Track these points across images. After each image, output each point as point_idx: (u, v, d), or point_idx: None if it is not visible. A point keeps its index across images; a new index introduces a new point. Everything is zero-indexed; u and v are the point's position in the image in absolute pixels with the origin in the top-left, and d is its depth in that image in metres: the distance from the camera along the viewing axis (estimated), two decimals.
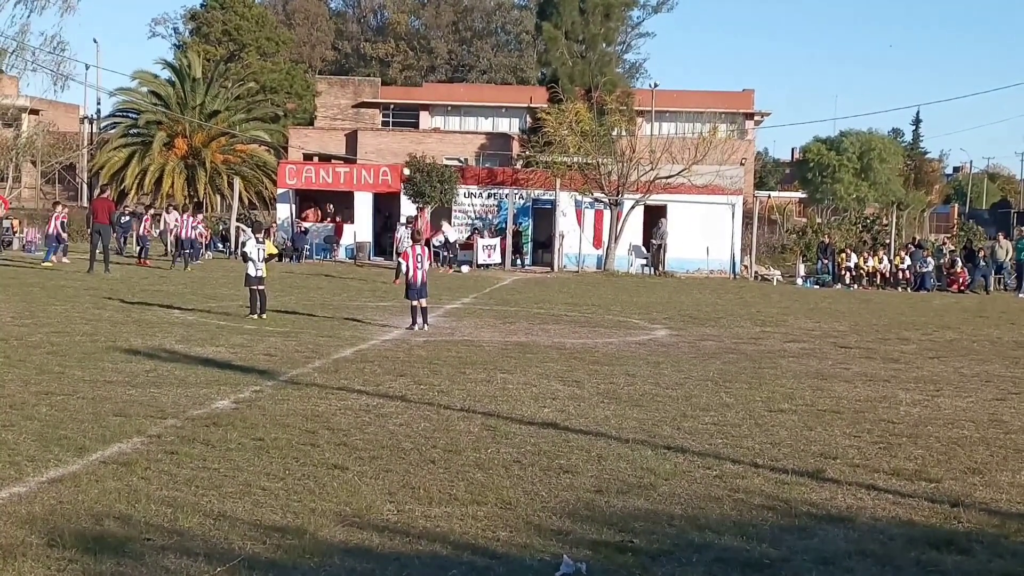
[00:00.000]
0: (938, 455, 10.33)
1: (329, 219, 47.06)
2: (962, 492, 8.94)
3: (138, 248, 39.29)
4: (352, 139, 66.23)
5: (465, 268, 41.23)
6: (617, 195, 43.73)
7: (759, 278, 44.41)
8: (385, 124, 76.13)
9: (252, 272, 20.58)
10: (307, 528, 7.29)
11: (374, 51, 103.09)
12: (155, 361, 14.40)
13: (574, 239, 44.26)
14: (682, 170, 43.10)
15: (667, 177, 43.12)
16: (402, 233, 35.96)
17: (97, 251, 30.68)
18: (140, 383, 12.66)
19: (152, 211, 45.50)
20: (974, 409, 13.10)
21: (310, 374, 13.95)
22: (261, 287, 20.62)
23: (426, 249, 20.57)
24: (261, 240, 21.24)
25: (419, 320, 19.81)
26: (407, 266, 20.29)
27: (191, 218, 37.61)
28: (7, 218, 44.46)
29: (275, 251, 21.13)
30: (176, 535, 7.04)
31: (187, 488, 8.15)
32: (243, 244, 24.30)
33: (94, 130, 68.55)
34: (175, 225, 37.85)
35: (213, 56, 70.29)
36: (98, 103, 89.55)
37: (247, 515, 7.54)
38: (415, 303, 19.87)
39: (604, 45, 57.89)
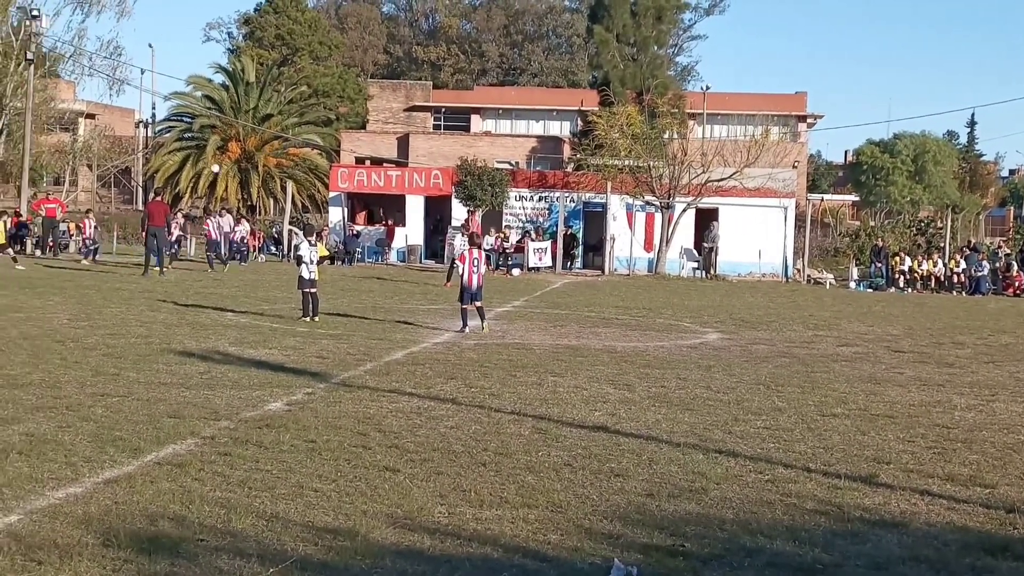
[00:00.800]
0: (993, 460, 10.22)
1: (381, 223, 47.26)
2: (1018, 498, 8.84)
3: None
4: (404, 142, 66.49)
5: (516, 271, 41.26)
6: (668, 198, 43.66)
7: (812, 281, 44.15)
8: (436, 127, 76.35)
9: (305, 275, 20.68)
10: (359, 530, 7.32)
11: (426, 55, 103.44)
12: (208, 363, 14.50)
13: (625, 242, 44.25)
14: (734, 173, 42.97)
15: (719, 180, 43.02)
16: (457, 238, 36.16)
17: (152, 253, 30.96)
18: (194, 385, 12.75)
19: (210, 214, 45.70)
20: None
21: (362, 376, 14.00)
22: (314, 290, 20.73)
23: (483, 253, 20.56)
24: (313, 243, 21.33)
25: (471, 322, 19.79)
26: (463, 269, 20.23)
27: (228, 221, 38.18)
28: (64, 221, 44.95)
29: (327, 253, 21.21)
30: (229, 536, 7.08)
31: (240, 489, 8.21)
32: (296, 247, 24.45)
33: (149, 134, 69.26)
34: (217, 229, 38.24)
35: (266, 60, 70.81)
36: (153, 107, 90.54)
37: (299, 516, 7.57)
38: (467, 307, 19.87)
39: (655, 48, 57.85)
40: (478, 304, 20.04)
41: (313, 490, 8.27)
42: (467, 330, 19.61)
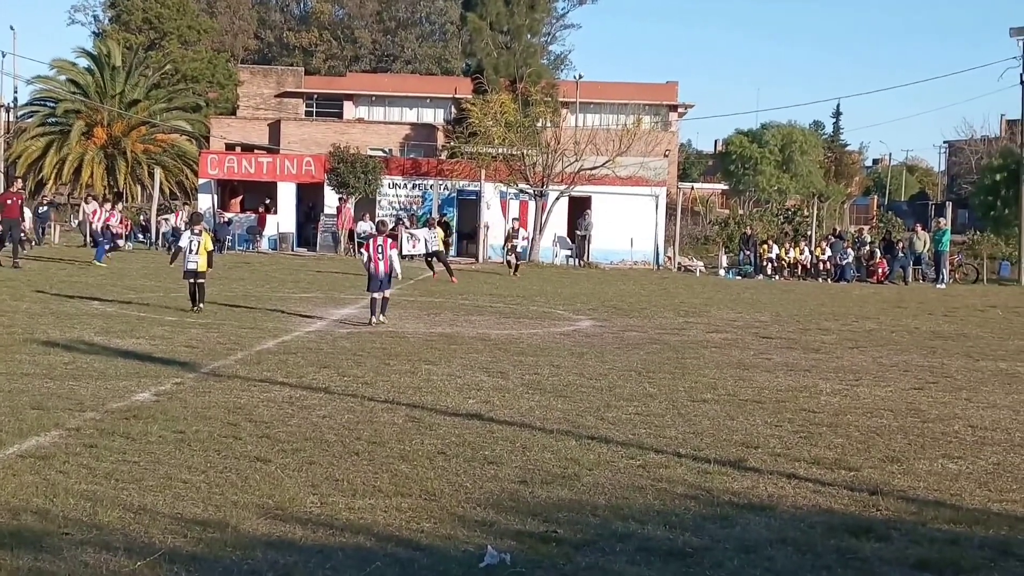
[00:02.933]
0: (857, 444, 10.47)
1: (260, 209, 46.66)
2: (881, 480, 9.06)
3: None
4: (275, 129, 65.77)
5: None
6: (542, 186, 43.87)
7: (682, 269, 44.78)
8: (308, 114, 75.63)
9: (189, 265, 20.29)
10: (229, 521, 7.22)
11: (297, 40, 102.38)
12: (73, 353, 14.19)
13: (499, 230, 44.32)
14: (606, 161, 43.35)
15: (591, 168, 43.35)
16: (365, 226, 36.62)
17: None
18: (58, 376, 12.46)
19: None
20: (892, 398, 13.29)
21: (232, 366, 13.82)
22: (200, 280, 20.30)
23: (389, 239, 20.17)
24: (197, 232, 20.86)
25: (378, 313, 19.47)
26: (367, 256, 19.93)
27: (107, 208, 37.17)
28: None
29: (211, 247, 20.79)
30: (95, 529, 6.93)
31: (107, 482, 8.04)
32: (176, 236, 23.95)
33: (11, 119, 67.37)
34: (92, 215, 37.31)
35: (133, 44, 69.39)
36: (15, 91, 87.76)
37: (168, 509, 7.45)
38: (376, 295, 19.58)
39: (529, 36, 57.95)
40: (386, 294, 19.77)
41: (182, 481, 8.14)
42: (375, 321, 19.28)
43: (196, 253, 20.28)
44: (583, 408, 11.84)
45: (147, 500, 7.61)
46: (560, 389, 13.08)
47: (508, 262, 37.21)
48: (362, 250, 21.45)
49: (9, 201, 30.60)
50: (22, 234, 31.84)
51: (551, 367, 14.85)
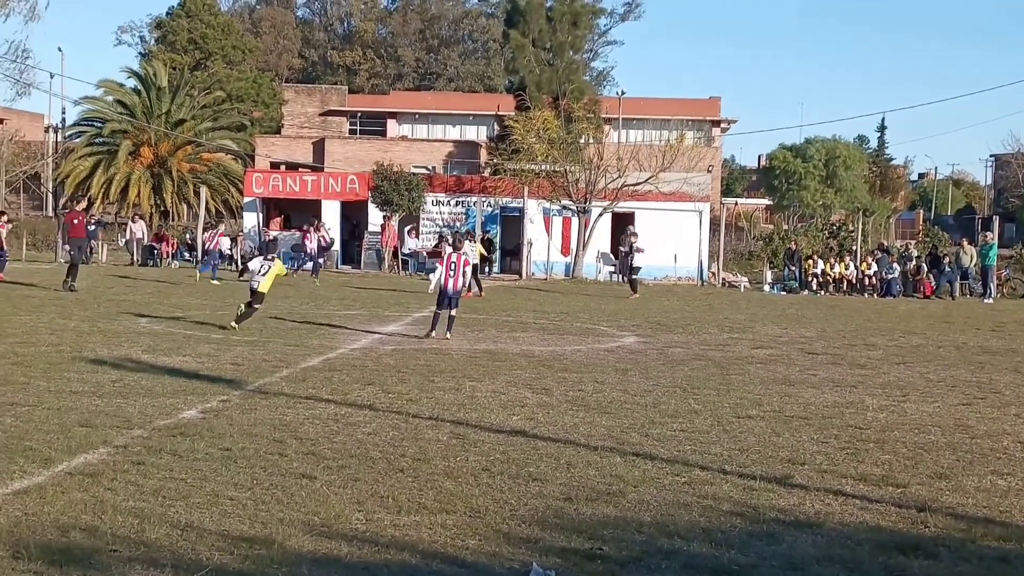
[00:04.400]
0: (905, 460, 10.38)
1: (304, 228, 46.86)
2: (928, 497, 8.99)
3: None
4: (319, 147, 66.11)
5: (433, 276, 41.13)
6: (585, 202, 43.85)
7: (726, 285, 44.58)
8: (352, 132, 76.00)
9: (252, 285, 20.47)
10: (275, 538, 7.25)
11: (341, 59, 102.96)
12: (121, 371, 14.31)
13: (542, 246, 44.33)
14: (649, 177, 43.26)
15: (634, 184, 43.27)
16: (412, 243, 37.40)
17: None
18: (106, 393, 12.57)
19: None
20: (940, 414, 13.18)
21: (277, 383, 13.89)
22: (254, 304, 20.37)
23: (462, 257, 20.33)
24: (270, 259, 20.92)
25: (439, 329, 19.67)
26: (440, 272, 20.12)
27: (142, 227, 37.93)
28: None
29: (283, 273, 21.11)
30: (143, 546, 6.98)
31: (154, 499, 8.10)
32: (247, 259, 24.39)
33: (59, 139, 68.12)
34: (142, 234, 37.84)
35: (179, 65, 70.03)
36: (63, 112, 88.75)
37: (215, 525, 7.49)
38: (442, 311, 19.79)
39: (571, 53, 58.13)
40: (453, 312, 19.97)
41: (228, 498, 8.18)
42: (434, 334, 19.45)
43: (263, 275, 20.36)
44: (627, 425, 11.81)
45: (194, 517, 7.66)
46: (604, 405, 13.05)
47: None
48: (437, 264, 21.49)
49: (76, 221, 30.88)
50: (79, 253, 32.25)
51: (595, 383, 14.83)
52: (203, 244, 38.85)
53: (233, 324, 19.91)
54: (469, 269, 20.13)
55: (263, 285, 20.33)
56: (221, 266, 38.49)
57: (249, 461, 9.40)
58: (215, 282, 32.12)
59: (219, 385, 13.52)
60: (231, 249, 44.65)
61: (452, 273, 19.87)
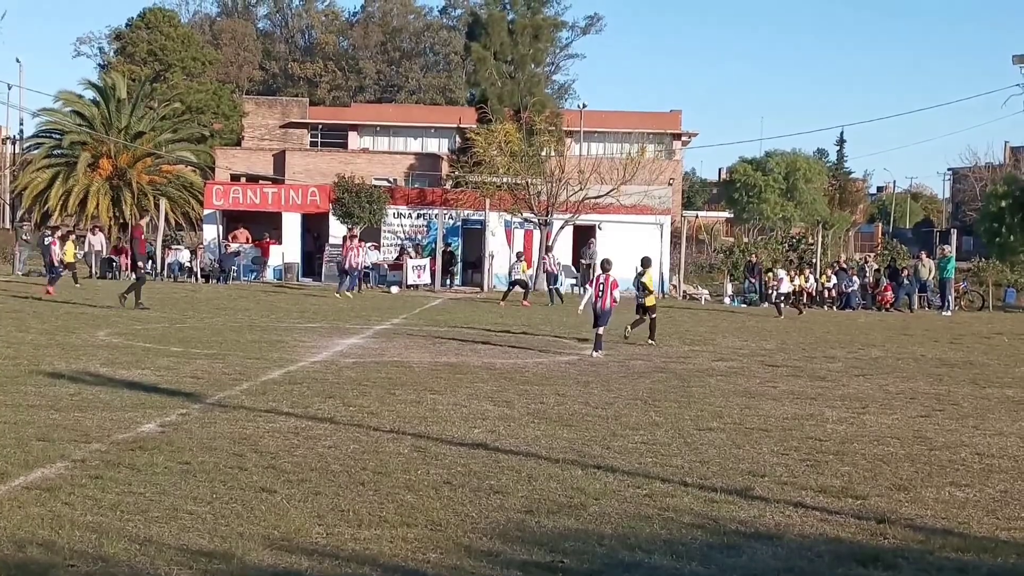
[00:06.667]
0: (864, 472, 10.44)
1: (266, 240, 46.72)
2: (888, 508, 9.04)
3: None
4: (280, 159, 65.95)
5: (395, 289, 41.09)
6: (547, 215, 43.87)
7: (687, 297, 44.73)
8: (313, 145, 75.90)
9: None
10: (235, 552, 7.21)
11: (302, 71, 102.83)
12: (79, 384, 14.19)
13: (504, 259, 44.34)
14: (611, 190, 43.35)
15: (596, 197, 43.35)
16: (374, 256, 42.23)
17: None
18: (64, 407, 12.46)
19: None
20: (899, 426, 13.26)
21: (237, 396, 13.81)
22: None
23: (610, 278, 21.16)
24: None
25: (600, 347, 20.25)
26: (590, 293, 21.30)
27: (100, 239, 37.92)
28: None
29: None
30: (101, 561, 6.92)
31: (112, 513, 8.03)
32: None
33: (17, 150, 67.55)
34: (101, 246, 37.69)
35: (138, 76, 69.63)
36: (21, 124, 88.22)
37: (173, 540, 7.44)
38: (599, 330, 20.50)
39: (533, 66, 58.27)
40: (600, 331, 20.56)
41: (188, 512, 8.13)
42: (596, 354, 20.01)
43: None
44: (589, 437, 11.82)
45: (153, 531, 7.60)
46: (566, 418, 13.06)
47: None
48: (587, 285, 22.85)
49: (143, 236, 30.74)
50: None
51: (556, 396, 14.84)
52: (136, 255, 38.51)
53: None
54: (617, 292, 21.19)
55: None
56: (181, 278, 38.23)
57: (209, 475, 9.35)
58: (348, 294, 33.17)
59: (178, 399, 13.43)
60: (191, 261, 44.47)
61: (602, 293, 20.81)
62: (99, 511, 8.08)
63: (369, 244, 44.47)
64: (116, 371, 15.71)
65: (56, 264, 33.60)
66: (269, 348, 19.71)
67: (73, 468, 9.44)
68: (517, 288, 36.75)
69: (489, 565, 7.14)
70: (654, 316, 23.18)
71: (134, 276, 29.35)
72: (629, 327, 23.39)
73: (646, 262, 24.04)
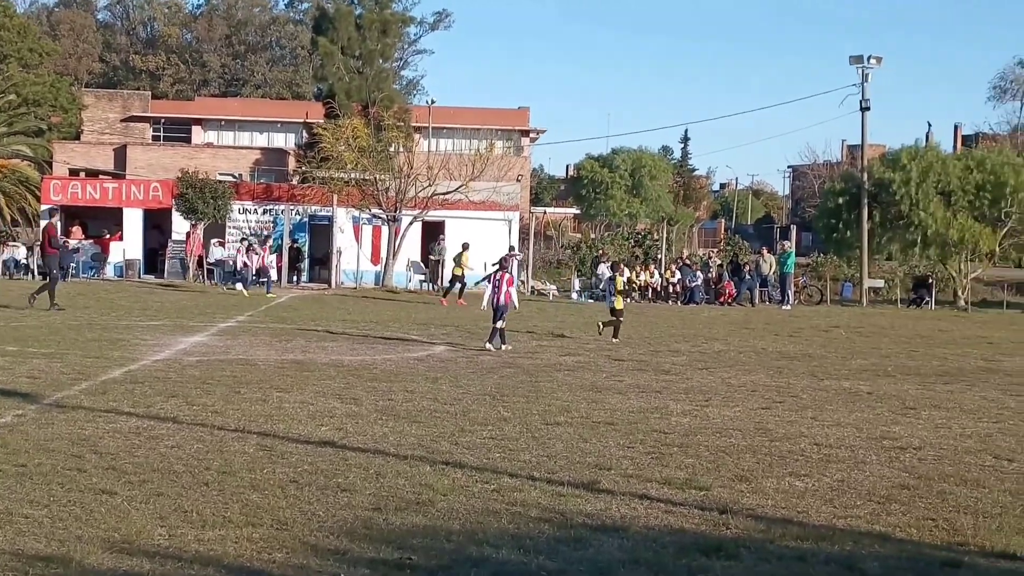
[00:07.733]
0: (707, 464, 10.64)
1: (99, 237, 45.59)
2: (730, 499, 9.22)
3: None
4: (121, 154, 64.47)
5: (239, 286, 40.47)
6: (395, 211, 43.73)
7: (535, 292, 45.04)
8: (156, 139, 74.34)
9: None
10: (73, 556, 7.03)
11: (144, 64, 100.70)
12: None
13: (352, 255, 44.07)
14: (459, 186, 43.40)
15: (445, 193, 43.36)
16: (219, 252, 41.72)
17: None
18: None
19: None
20: (741, 418, 13.55)
21: (76, 396, 13.46)
22: None
23: (506, 275, 22.08)
24: None
25: (500, 341, 20.90)
26: (492, 288, 21.86)
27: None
28: None
29: None
30: None
31: None
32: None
33: None
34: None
35: None
36: None
37: (8, 545, 7.22)
38: (500, 324, 21.14)
39: (381, 61, 57.92)
40: (500, 324, 21.12)
41: (23, 516, 7.89)
42: (505, 347, 20.81)
43: None
44: (437, 433, 11.81)
45: None
46: (414, 415, 13.03)
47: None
48: (485, 283, 23.87)
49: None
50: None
51: (405, 392, 14.80)
52: None
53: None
54: (513, 289, 22.09)
55: None
56: (17, 275, 37.07)
57: (46, 477, 9.09)
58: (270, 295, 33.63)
59: (14, 399, 13.02)
60: (27, 258, 43.22)
61: (497, 289, 21.60)
62: None
63: (215, 240, 43.81)
64: None
65: None
66: (109, 346, 19.24)
67: None
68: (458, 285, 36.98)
69: (336, 563, 7.09)
70: (621, 319, 23.69)
71: None
72: (602, 324, 24.19)
73: (616, 267, 25.88)
